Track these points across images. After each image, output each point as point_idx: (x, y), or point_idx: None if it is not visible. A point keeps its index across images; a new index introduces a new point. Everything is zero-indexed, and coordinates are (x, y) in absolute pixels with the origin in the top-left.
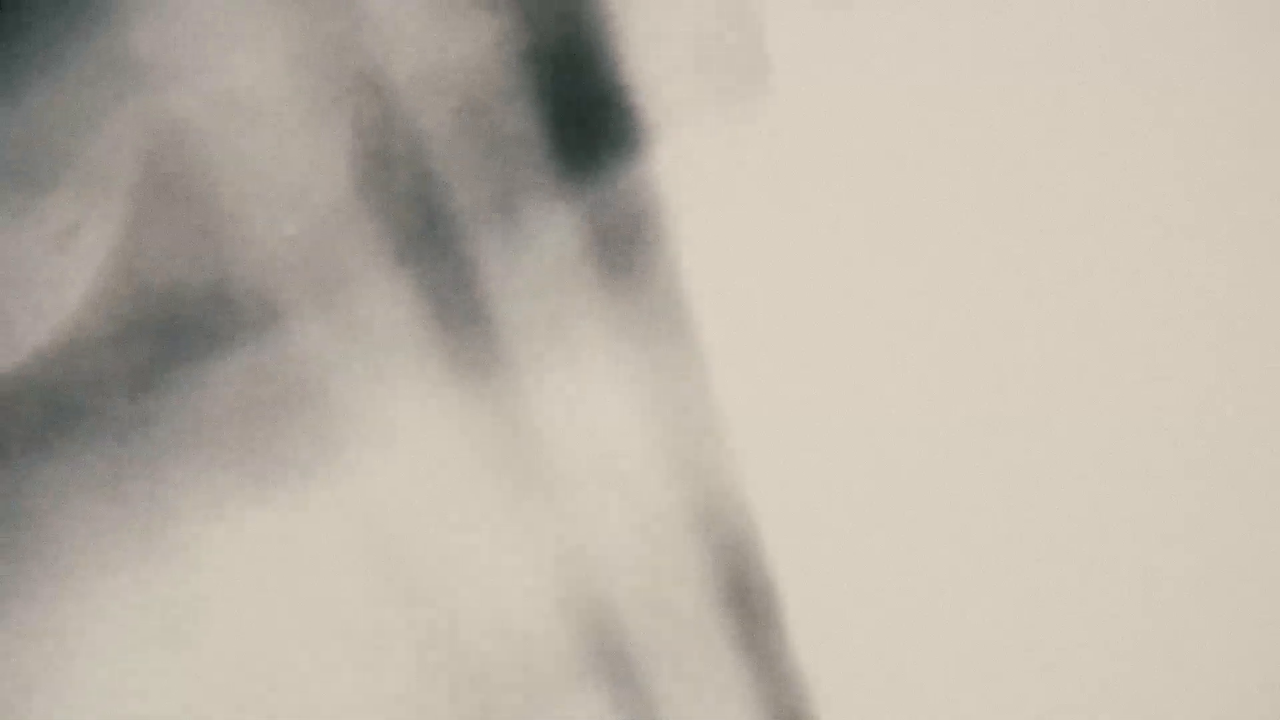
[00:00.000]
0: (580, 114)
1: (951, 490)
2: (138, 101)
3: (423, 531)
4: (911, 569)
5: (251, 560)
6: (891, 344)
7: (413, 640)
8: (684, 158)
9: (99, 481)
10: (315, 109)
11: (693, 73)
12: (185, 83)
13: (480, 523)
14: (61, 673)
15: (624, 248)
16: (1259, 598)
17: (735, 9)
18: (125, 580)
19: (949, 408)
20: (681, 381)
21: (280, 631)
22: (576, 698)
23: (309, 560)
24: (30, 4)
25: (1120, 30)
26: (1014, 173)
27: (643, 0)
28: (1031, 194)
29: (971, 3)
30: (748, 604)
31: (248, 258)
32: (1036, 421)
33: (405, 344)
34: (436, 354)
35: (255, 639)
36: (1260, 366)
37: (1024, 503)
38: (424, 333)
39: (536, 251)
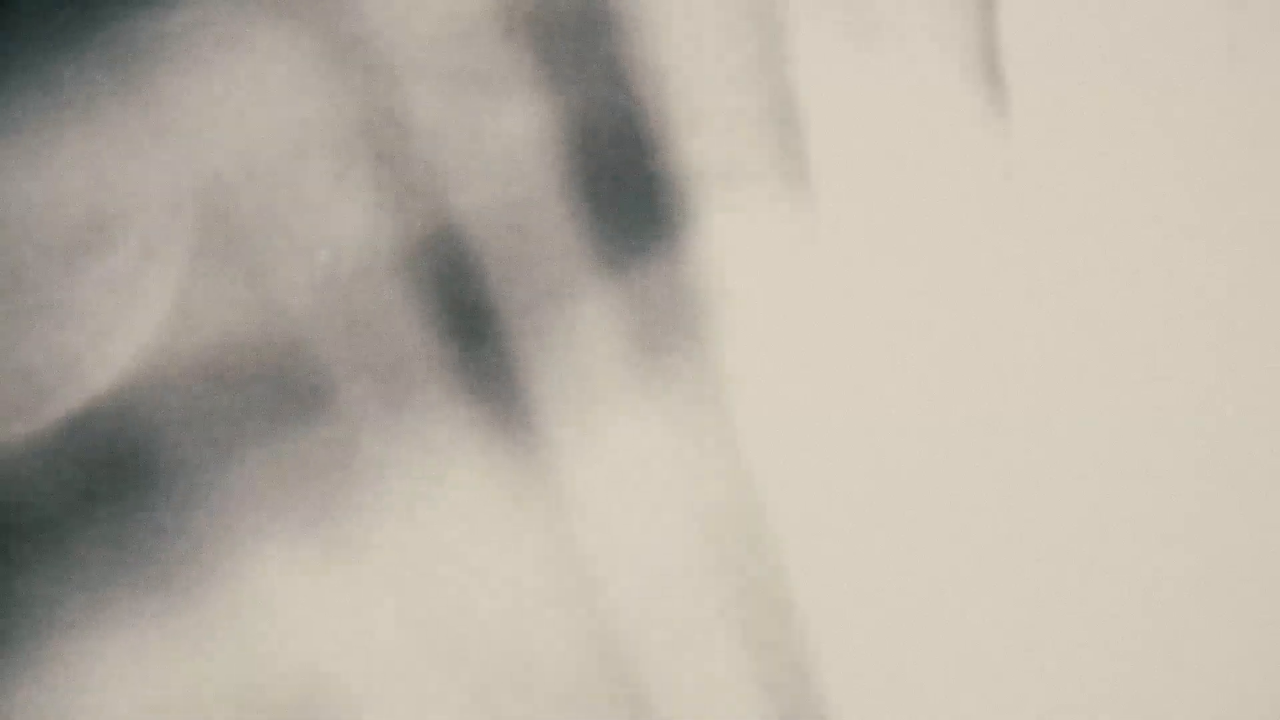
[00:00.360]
0: (621, 198)
1: (981, 568)
2: (180, 152)
3: (461, 592)
4: (946, 640)
5: (300, 605)
6: (934, 428)
7: (447, 689)
8: (726, 245)
9: (163, 527)
10: (352, 179)
11: (735, 161)
12: (221, 138)
13: (516, 591)
14: (124, 706)
15: (665, 332)
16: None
17: (779, 99)
18: (185, 622)
19: (992, 491)
20: (720, 465)
21: (330, 684)
22: None
23: (352, 616)
24: (57, 53)
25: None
26: (1054, 261)
27: (685, 87)
28: (1065, 275)
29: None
30: (781, 683)
31: (292, 322)
32: (1069, 492)
33: (447, 417)
34: (476, 428)
35: (304, 688)
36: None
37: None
38: (464, 409)
39: (576, 333)
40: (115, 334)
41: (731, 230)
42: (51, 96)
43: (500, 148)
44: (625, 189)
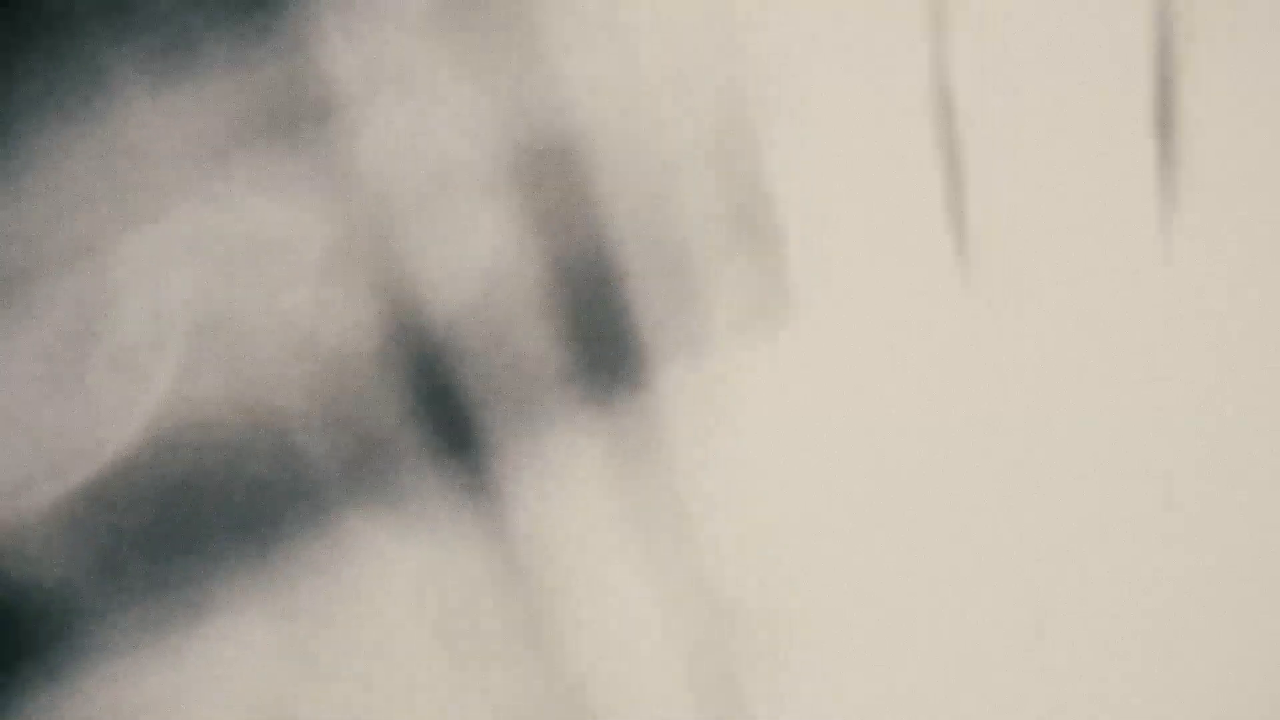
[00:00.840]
0: (601, 332)
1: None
2: (175, 237)
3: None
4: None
5: (271, 684)
6: (909, 571)
7: None
8: (704, 378)
9: (153, 595)
10: (340, 278)
11: (715, 293)
12: (214, 230)
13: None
14: None
15: (643, 463)
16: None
17: (760, 234)
18: (166, 686)
19: (969, 642)
20: (697, 595)
21: None
22: None
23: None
24: (59, 134)
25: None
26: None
27: (659, 215)
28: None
29: (988, 235)
30: None
31: (278, 406)
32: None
33: (424, 507)
34: (453, 517)
35: None
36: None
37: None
38: (443, 501)
39: (556, 463)
40: (121, 410)
41: (712, 366)
42: (54, 174)
43: (484, 274)
44: (607, 325)
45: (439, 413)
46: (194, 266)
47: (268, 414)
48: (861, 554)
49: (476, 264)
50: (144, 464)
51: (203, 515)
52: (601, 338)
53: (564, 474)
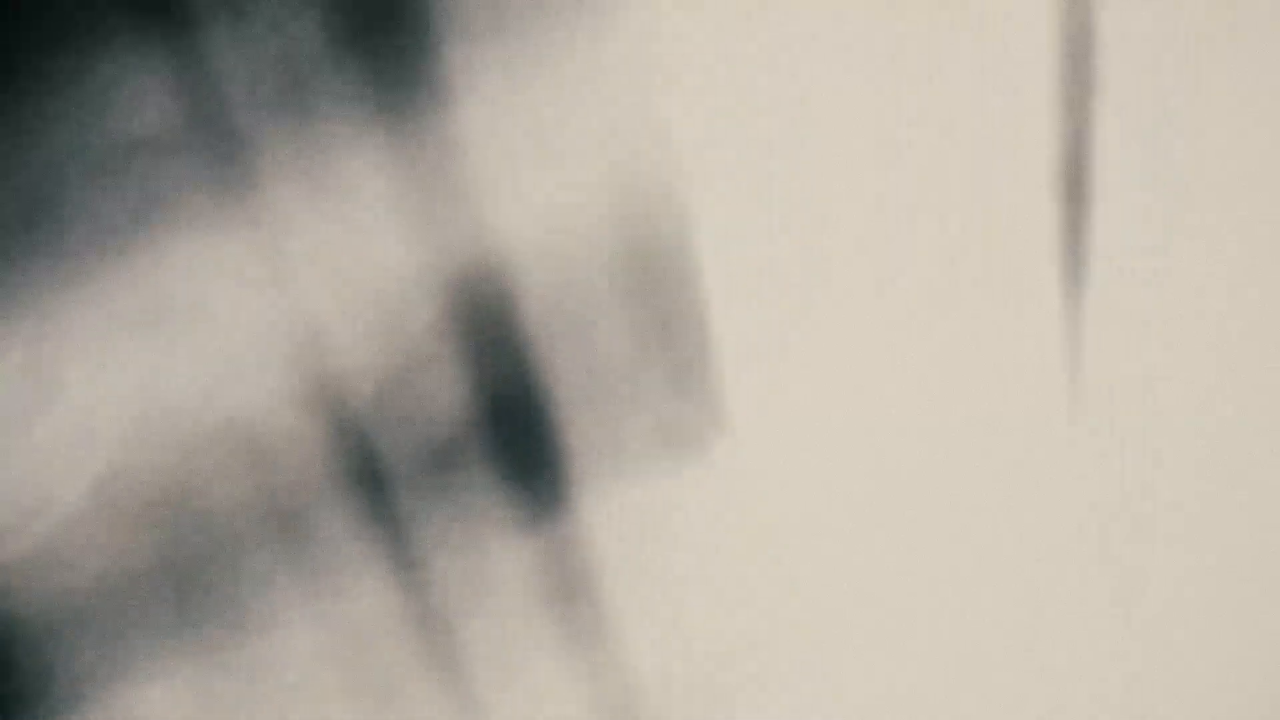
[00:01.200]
0: (536, 450)
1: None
2: (116, 326)
3: None
4: None
5: None
6: (845, 683)
7: None
8: (630, 495)
9: (80, 655)
10: (287, 386)
11: (646, 414)
12: (163, 322)
13: None
14: None
15: (575, 579)
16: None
17: (688, 355)
18: None
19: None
20: (620, 691)
21: None
22: None
23: None
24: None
25: None
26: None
27: (589, 352)
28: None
29: (930, 330)
30: None
31: (224, 525)
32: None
33: (359, 596)
34: (383, 614)
35: None
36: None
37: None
38: (390, 634)
39: (493, 577)
40: (67, 474)
41: (642, 487)
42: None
43: (419, 397)
44: (541, 443)
45: (365, 495)
46: (136, 338)
47: (200, 484)
48: (791, 667)
49: (402, 365)
50: (80, 528)
51: (135, 580)
52: (526, 454)
53: (489, 573)
